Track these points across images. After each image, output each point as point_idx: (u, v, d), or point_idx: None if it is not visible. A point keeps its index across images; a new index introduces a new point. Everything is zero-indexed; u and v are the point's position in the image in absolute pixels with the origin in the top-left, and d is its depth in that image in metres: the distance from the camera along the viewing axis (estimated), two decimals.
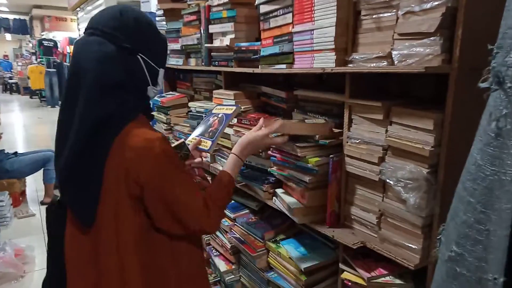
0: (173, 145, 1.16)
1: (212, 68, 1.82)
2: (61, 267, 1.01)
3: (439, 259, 0.67)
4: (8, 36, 15.56)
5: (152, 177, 0.91)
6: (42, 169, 3.91)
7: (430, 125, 0.93)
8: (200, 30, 1.86)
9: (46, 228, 1.09)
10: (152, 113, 1.11)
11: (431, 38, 0.91)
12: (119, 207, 0.93)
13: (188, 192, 0.98)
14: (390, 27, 1.03)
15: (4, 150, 3.95)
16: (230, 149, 1.66)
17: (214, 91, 1.81)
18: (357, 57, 1.10)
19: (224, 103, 1.72)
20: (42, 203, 3.93)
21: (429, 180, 0.95)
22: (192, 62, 2.02)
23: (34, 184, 4.32)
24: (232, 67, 1.68)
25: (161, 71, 1.03)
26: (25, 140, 6.94)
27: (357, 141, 1.15)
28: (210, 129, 1.30)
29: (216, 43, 1.75)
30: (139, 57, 0.94)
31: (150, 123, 1.06)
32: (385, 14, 1.03)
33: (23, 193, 4.09)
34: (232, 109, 1.34)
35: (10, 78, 15.21)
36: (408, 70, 0.93)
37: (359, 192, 1.19)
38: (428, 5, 0.90)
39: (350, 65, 1.12)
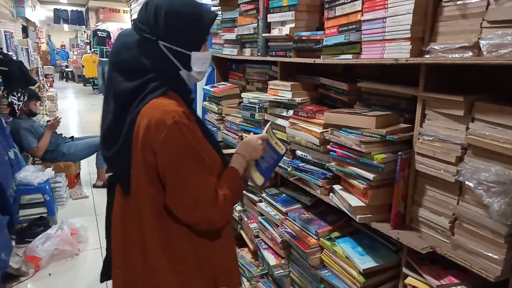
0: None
1: (268, 58, 1.78)
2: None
3: None
4: (66, 27, 16.48)
5: (163, 146, 0.95)
6: (96, 153, 4.11)
7: None
8: (258, 19, 1.82)
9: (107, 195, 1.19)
10: (191, 97, 1.12)
11: None
12: (139, 176, 1.00)
13: (199, 171, 0.99)
14: (478, 14, 0.93)
15: (62, 134, 4.19)
16: (285, 141, 1.63)
17: (269, 82, 1.78)
18: (436, 47, 1.01)
19: (280, 95, 1.68)
20: (94, 186, 4.14)
21: None
22: (247, 52, 1.99)
23: (87, 168, 4.55)
24: (290, 57, 1.63)
25: (195, 54, 1.03)
26: (79, 126, 7.34)
27: (431, 138, 1.06)
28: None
29: (274, 32, 1.71)
30: (161, 45, 0.99)
31: (187, 105, 1.07)
32: (472, 0, 0.94)
33: (77, 175, 4.32)
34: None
35: (66, 66, 16.14)
36: (502, 62, 0.83)
37: (429, 193, 1.10)
38: None
39: (427, 55, 1.03)
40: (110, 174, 1.19)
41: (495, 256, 0.91)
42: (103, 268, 1.23)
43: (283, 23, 1.66)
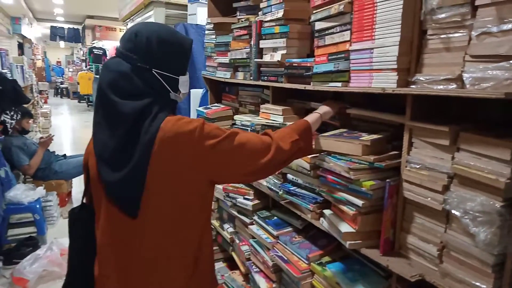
0: None
1: (261, 83, 1.81)
2: (82, 269, 1.14)
3: None
4: (62, 44, 16.61)
5: (211, 137, 1.00)
6: None
7: (506, 155, 0.85)
8: (250, 44, 1.86)
9: (68, 231, 1.18)
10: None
11: (511, 61, 0.84)
12: (157, 195, 1.01)
13: (247, 134, 1.09)
14: (460, 48, 0.96)
15: (54, 152, 4.18)
16: None
17: (261, 106, 1.80)
18: (421, 78, 1.04)
19: (272, 118, 1.70)
20: None
21: (503, 215, 0.87)
22: (240, 76, 2.02)
23: (79, 186, 4.51)
24: (281, 82, 1.66)
25: (182, 78, 1.11)
26: (72, 142, 7.32)
27: (418, 166, 1.08)
28: None
29: (266, 58, 1.74)
30: (154, 72, 1.04)
31: None
32: (455, 35, 0.97)
33: (69, 194, 4.28)
34: None
35: (61, 83, 16.18)
36: (484, 95, 0.86)
37: (417, 220, 1.11)
38: (509, 26, 0.84)
39: (413, 86, 1.06)
40: (74, 207, 1.20)
41: (483, 286, 0.92)
42: None
43: (274, 49, 1.69)
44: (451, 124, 1.00)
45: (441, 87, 0.98)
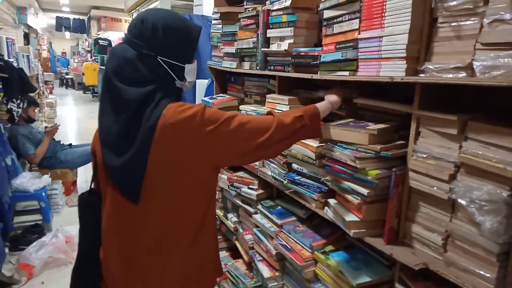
0: None
1: (267, 72, 1.80)
2: (92, 253, 1.15)
3: None
4: (68, 35, 16.61)
5: (212, 119, 0.99)
6: None
7: None
8: (257, 34, 1.85)
9: (78, 216, 1.21)
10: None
11: None
12: (159, 182, 1.02)
13: (245, 116, 1.07)
14: (471, 36, 0.96)
15: (60, 141, 4.20)
16: (281, 154, 1.64)
17: (267, 96, 1.80)
18: (430, 67, 1.03)
19: (277, 108, 1.70)
20: None
21: (510, 204, 0.87)
22: (246, 65, 2.02)
23: (84, 175, 4.54)
24: (288, 72, 1.65)
25: (188, 66, 1.10)
26: (77, 132, 7.35)
27: (424, 156, 1.08)
28: None
29: (273, 47, 1.74)
30: (159, 60, 1.03)
31: None
32: (467, 22, 0.96)
33: (74, 183, 4.31)
34: None
35: (67, 74, 16.21)
36: (494, 84, 0.85)
37: (423, 209, 1.11)
38: None
39: (422, 74, 1.06)
40: (84, 192, 1.21)
41: (487, 275, 0.92)
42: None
43: (282, 38, 1.69)
44: (459, 113, 0.99)
45: (451, 75, 0.98)
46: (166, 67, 1.04)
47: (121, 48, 1.04)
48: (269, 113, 1.17)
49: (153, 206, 1.03)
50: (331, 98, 1.36)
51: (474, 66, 0.92)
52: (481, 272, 0.93)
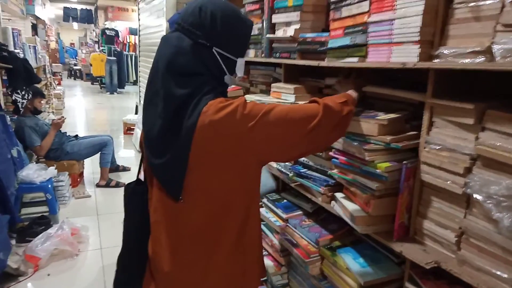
0: None
1: (272, 60, 1.73)
2: (137, 243, 1.12)
3: None
4: (75, 25, 16.62)
5: (252, 115, 0.92)
6: (99, 153, 4.10)
7: None
8: (262, 20, 1.78)
9: (124, 205, 1.17)
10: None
11: None
12: (201, 179, 0.97)
13: (286, 106, 0.99)
14: (491, 16, 0.88)
15: (66, 132, 4.19)
16: None
17: (272, 84, 1.73)
18: (445, 52, 0.96)
19: (283, 97, 1.63)
20: (97, 185, 4.12)
21: None
22: (252, 53, 1.95)
23: (91, 167, 4.54)
24: (294, 59, 1.58)
25: (240, 60, 1.04)
26: (85, 123, 7.36)
27: (438, 147, 1.01)
28: None
29: (279, 33, 1.67)
30: (214, 51, 0.98)
31: None
32: (486, 2, 0.89)
33: (81, 174, 4.31)
34: None
35: (75, 64, 16.26)
36: None
37: (435, 204, 1.05)
38: None
39: (436, 60, 0.98)
40: (130, 182, 1.18)
41: (505, 275, 0.86)
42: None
43: (288, 24, 1.61)
44: (476, 101, 0.92)
45: (468, 60, 0.90)
46: (220, 60, 0.99)
47: (175, 36, 0.98)
48: (312, 101, 1.07)
49: (195, 203, 1.00)
50: (353, 94, 1.23)
51: (494, 50, 0.85)
52: (498, 272, 0.87)
